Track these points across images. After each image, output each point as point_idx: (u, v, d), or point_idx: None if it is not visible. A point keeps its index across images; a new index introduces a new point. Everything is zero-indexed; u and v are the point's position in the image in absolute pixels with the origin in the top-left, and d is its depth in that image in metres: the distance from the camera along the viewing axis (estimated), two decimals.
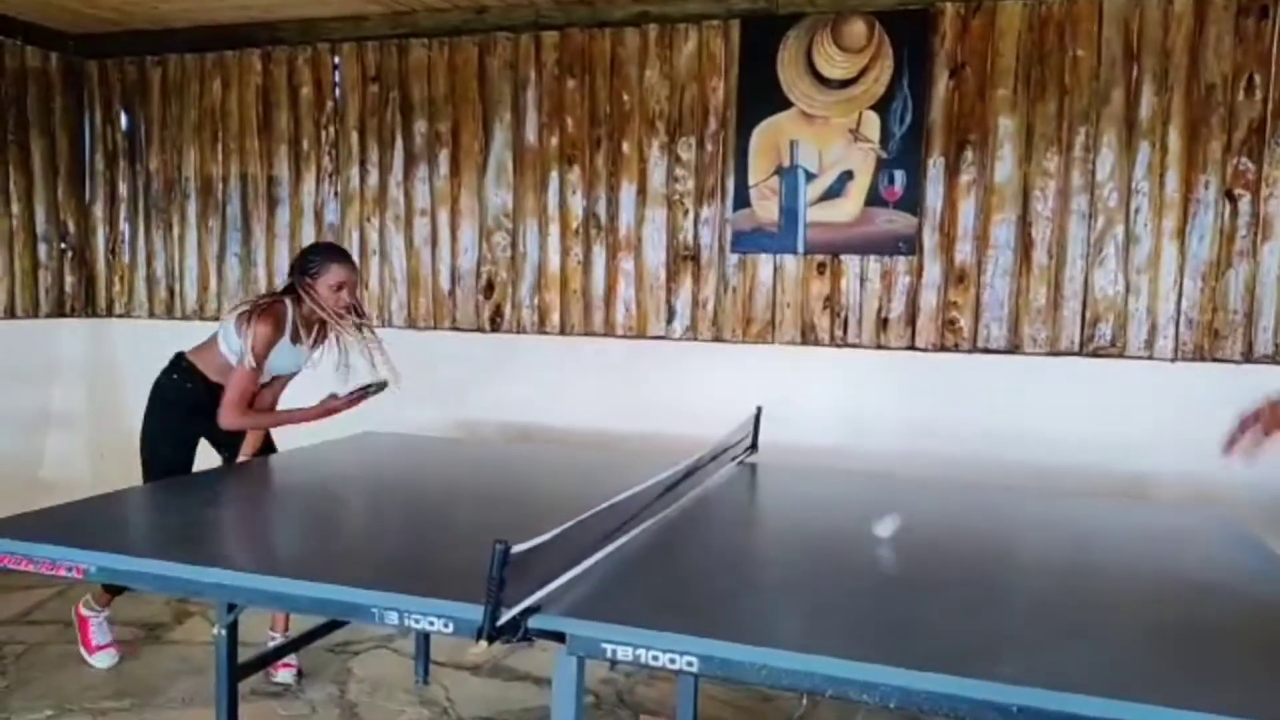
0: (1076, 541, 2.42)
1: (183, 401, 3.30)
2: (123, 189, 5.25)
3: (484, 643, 1.60)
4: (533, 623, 1.65)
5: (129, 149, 5.21)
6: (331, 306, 3.19)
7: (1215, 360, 3.69)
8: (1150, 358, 3.75)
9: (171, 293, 5.18)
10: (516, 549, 1.60)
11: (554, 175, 4.46)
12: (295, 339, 3.23)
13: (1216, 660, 1.61)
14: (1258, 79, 3.59)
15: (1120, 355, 3.78)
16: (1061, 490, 3.43)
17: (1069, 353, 3.83)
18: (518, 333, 4.56)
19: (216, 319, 4.39)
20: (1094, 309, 3.81)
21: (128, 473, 3.34)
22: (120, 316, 5.26)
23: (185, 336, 3.71)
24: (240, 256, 5.02)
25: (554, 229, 4.48)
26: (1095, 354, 3.81)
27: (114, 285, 5.32)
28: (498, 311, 4.60)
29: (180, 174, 5.11)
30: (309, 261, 3.23)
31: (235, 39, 4.88)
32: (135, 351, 3.98)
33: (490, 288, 4.61)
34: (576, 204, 4.44)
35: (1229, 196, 3.64)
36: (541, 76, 4.43)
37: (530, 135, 4.48)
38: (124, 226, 5.27)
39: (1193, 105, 3.65)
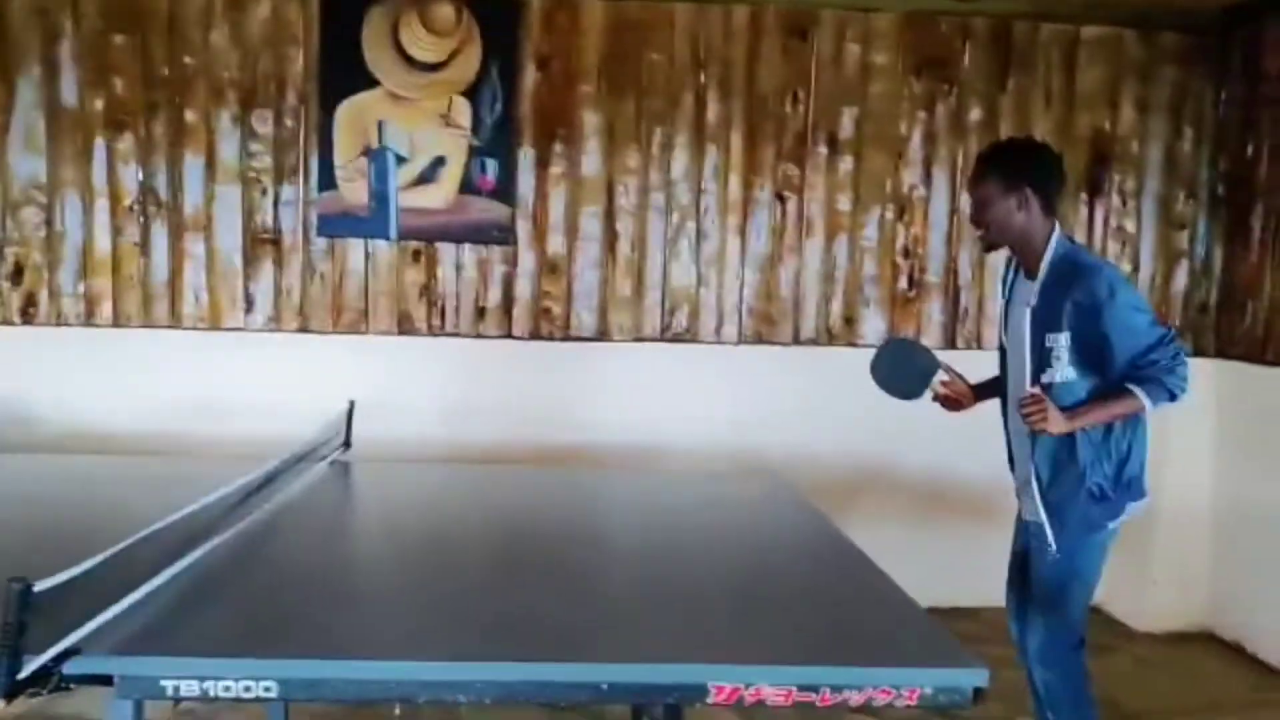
0: (662, 516, 2.57)
1: None
2: None
3: (0, 701, 1.31)
4: (69, 668, 1.39)
5: None
6: None
7: (770, 344, 4.14)
8: (719, 342, 4.13)
9: None
10: (42, 585, 1.33)
11: (99, 142, 3.88)
12: None
13: (775, 611, 1.79)
14: (801, 93, 4.07)
15: (694, 341, 4.12)
16: (648, 468, 3.66)
17: (651, 339, 4.10)
18: (58, 325, 3.91)
19: None
20: (672, 298, 4.10)
21: None
22: None
23: None
24: None
25: (101, 204, 3.90)
26: (674, 340, 4.11)
27: None
28: (30, 301, 3.91)
29: None
30: None
31: None
32: None
33: (19, 272, 3.90)
34: (129, 176, 3.90)
35: (779, 198, 4.10)
36: (80, 28, 3.82)
37: (68, 95, 3.85)
38: None
39: (751, 113, 4.06)
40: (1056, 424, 2.37)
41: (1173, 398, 2.36)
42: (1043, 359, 2.43)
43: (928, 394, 2.65)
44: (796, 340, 4.16)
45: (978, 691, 1.44)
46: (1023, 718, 3.22)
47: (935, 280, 4.21)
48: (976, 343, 4.21)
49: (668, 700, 1.52)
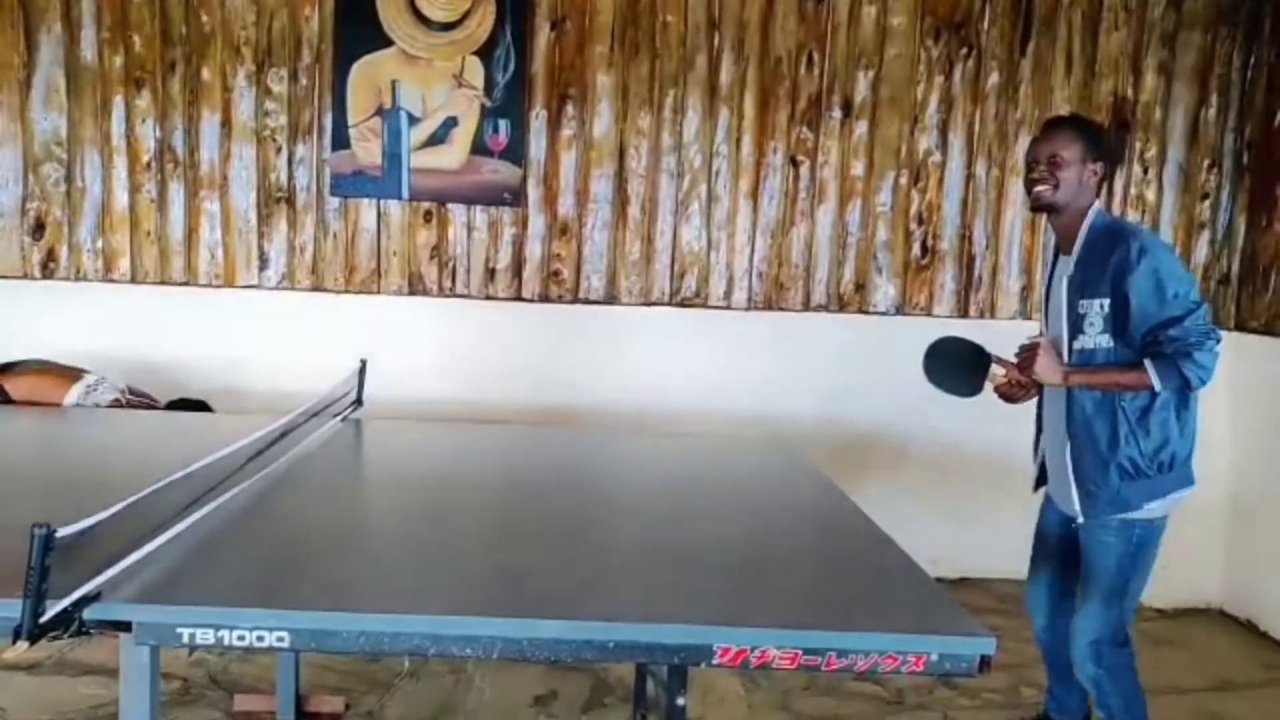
0: (670, 479, 2.59)
1: None
2: None
3: (24, 643, 1.36)
4: (89, 613, 1.43)
5: None
6: None
7: (780, 309, 4.14)
8: (728, 307, 4.12)
9: None
10: (64, 531, 1.37)
11: (118, 100, 3.89)
12: None
13: (782, 575, 1.80)
14: (816, 56, 4.03)
15: (704, 305, 4.12)
16: (656, 431, 3.68)
17: (660, 303, 4.10)
18: (76, 280, 3.96)
19: None
20: (681, 262, 4.10)
21: None
22: None
23: None
24: None
25: (120, 161, 3.93)
26: (683, 304, 4.11)
27: None
28: (51, 255, 3.95)
29: None
30: None
31: None
32: None
33: (40, 227, 3.94)
34: (147, 134, 3.92)
35: (793, 162, 4.08)
36: None
37: (88, 52, 3.86)
38: None
39: (764, 76, 4.02)
40: (1046, 371, 2.40)
41: (1187, 384, 2.28)
42: (1076, 325, 2.43)
43: (987, 386, 2.63)
44: (807, 306, 4.15)
45: (984, 660, 1.44)
46: (1027, 688, 3.27)
47: (949, 248, 4.18)
48: (990, 312, 4.19)
49: (673, 660, 1.54)
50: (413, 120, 3.93)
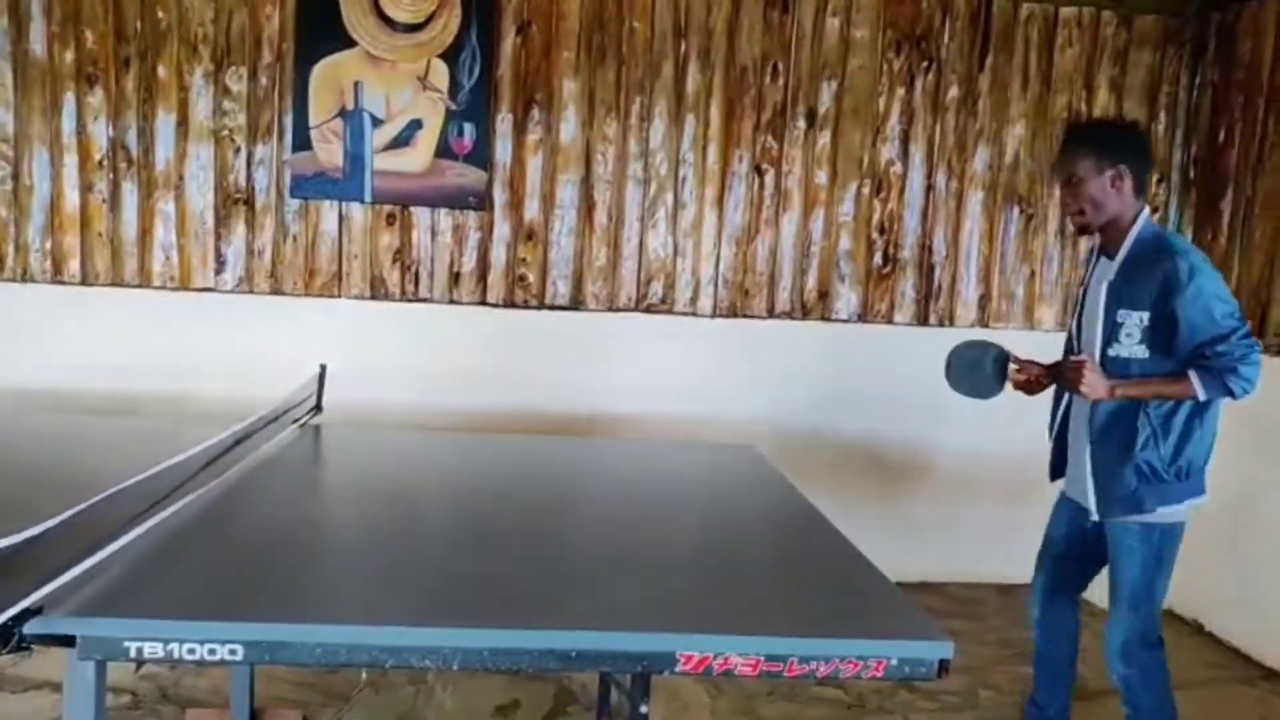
0: (633, 484, 2.58)
1: None
2: None
3: None
4: (30, 628, 1.38)
5: None
6: None
7: (745, 316, 4.15)
8: (694, 314, 4.12)
9: None
10: (3, 543, 1.32)
11: (69, 96, 3.80)
12: None
13: (745, 581, 1.81)
14: (780, 65, 4.05)
15: (669, 311, 4.11)
16: (620, 436, 3.66)
17: (626, 309, 4.09)
18: (23, 281, 3.85)
19: None
20: (648, 269, 4.09)
21: None
22: None
23: None
24: None
25: (70, 160, 3.82)
26: (649, 310, 4.10)
27: None
28: None
29: None
30: None
31: None
32: None
33: None
34: (100, 132, 3.83)
35: (758, 170, 4.09)
36: None
37: (36, 46, 3.77)
38: None
39: (730, 84, 4.03)
40: (1094, 389, 2.38)
41: (1230, 394, 2.31)
42: (1111, 333, 2.43)
43: (1007, 385, 2.66)
44: (771, 313, 4.17)
45: (943, 664, 1.47)
46: (984, 690, 3.31)
47: (909, 257, 4.22)
48: (949, 320, 4.24)
49: (636, 668, 1.53)
50: (376, 122, 3.88)
